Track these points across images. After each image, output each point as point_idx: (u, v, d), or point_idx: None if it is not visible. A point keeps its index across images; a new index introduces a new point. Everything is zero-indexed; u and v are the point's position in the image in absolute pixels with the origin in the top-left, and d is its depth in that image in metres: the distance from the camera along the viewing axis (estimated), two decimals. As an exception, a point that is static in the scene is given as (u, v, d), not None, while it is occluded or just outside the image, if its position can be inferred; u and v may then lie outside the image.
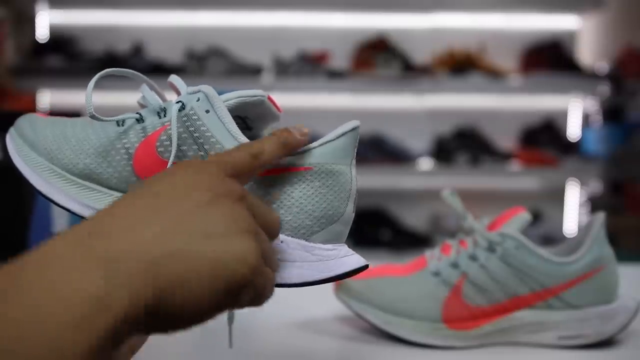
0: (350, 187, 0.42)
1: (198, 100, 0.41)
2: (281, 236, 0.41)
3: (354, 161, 0.42)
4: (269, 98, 0.43)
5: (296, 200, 0.41)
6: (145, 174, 0.42)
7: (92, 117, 0.42)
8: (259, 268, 0.31)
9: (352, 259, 0.41)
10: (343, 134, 0.42)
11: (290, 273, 0.40)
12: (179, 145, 0.41)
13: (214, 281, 0.29)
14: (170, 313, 0.28)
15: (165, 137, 0.41)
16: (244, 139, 0.41)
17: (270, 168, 0.41)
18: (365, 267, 0.41)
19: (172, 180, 0.32)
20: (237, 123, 0.44)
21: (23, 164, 0.43)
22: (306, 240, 0.41)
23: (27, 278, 0.25)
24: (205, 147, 0.41)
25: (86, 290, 0.25)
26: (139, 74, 0.44)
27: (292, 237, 0.41)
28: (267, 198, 0.41)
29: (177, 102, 0.42)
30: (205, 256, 0.29)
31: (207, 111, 0.41)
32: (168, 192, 0.31)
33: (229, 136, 0.41)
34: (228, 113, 0.41)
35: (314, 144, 0.42)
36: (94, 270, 0.26)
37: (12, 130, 0.45)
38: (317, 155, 0.41)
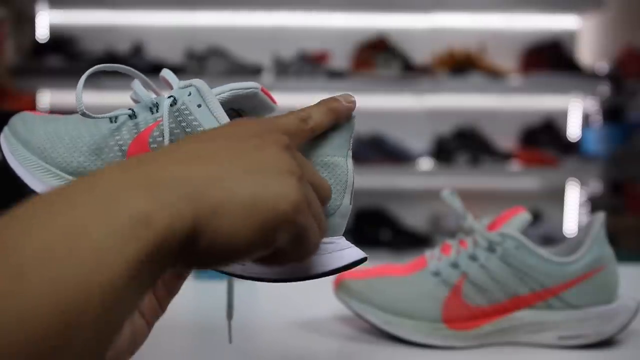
0: (347, 179, 0.41)
1: (190, 94, 0.41)
2: None
3: (349, 153, 0.42)
4: (263, 90, 0.43)
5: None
6: None
7: (83, 114, 0.41)
8: (300, 207, 0.31)
9: (350, 251, 0.41)
10: (338, 126, 0.41)
11: (287, 268, 0.39)
12: (171, 141, 0.40)
13: (253, 212, 0.29)
14: (209, 241, 0.28)
15: (157, 133, 0.41)
16: None
17: None
18: (364, 259, 0.41)
19: (222, 129, 0.34)
20: (231, 116, 0.44)
21: (17, 164, 0.42)
22: None
23: (76, 195, 0.27)
24: None
25: (130, 208, 0.26)
26: (130, 68, 0.43)
27: None
28: None
29: (169, 97, 0.41)
30: (247, 188, 0.30)
31: (199, 105, 0.40)
32: (217, 135, 0.33)
33: None
34: (220, 107, 0.41)
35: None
36: (139, 191, 0.27)
37: (5, 129, 0.44)
38: (312, 147, 0.41)
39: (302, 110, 0.39)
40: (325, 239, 0.40)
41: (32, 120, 0.44)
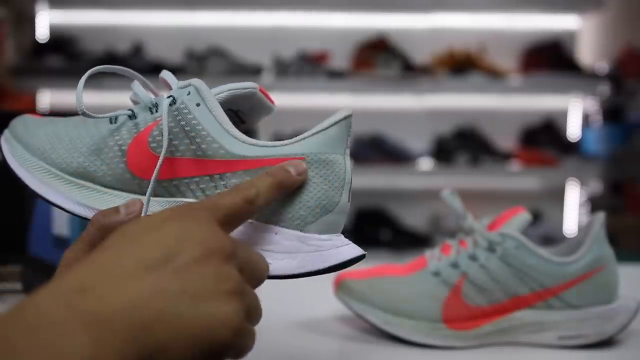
0: (345, 176, 0.41)
1: (189, 94, 0.41)
2: (276, 227, 0.40)
3: (347, 150, 0.42)
4: (261, 90, 0.43)
5: (290, 191, 0.40)
6: (139, 170, 0.41)
7: (83, 114, 0.41)
8: (241, 330, 0.31)
9: (349, 248, 0.41)
10: (335, 123, 0.41)
11: (285, 264, 0.40)
12: (170, 140, 0.41)
13: (199, 344, 0.29)
14: None
15: (157, 133, 0.41)
16: (235, 131, 0.41)
17: (263, 159, 0.41)
18: (362, 256, 0.41)
19: (162, 231, 0.32)
20: (230, 117, 0.44)
21: (17, 165, 0.43)
22: (301, 230, 0.40)
23: (17, 340, 0.25)
24: (196, 140, 0.41)
25: (76, 355, 0.26)
26: (130, 70, 0.44)
27: (286, 228, 0.40)
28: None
29: (168, 97, 0.42)
30: (191, 320, 0.29)
31: (198, 104, 0.41)
32: (156, 244, 0.31)
33: (220, 129, 0.41)
34: (219, 106, 0.41)
35: (307, 133, 0.41)
36: (83, 333, 0.26)
37: (6, 131, 0.45)
38: (310, 145, 0.41)
39: (249, 187, 0.38)
40: (323, 236, 0.40)
41: (32, 123, 0.44)
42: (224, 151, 0.41)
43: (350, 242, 0.41)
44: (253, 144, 0.41)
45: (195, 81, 0.42)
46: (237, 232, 0.40)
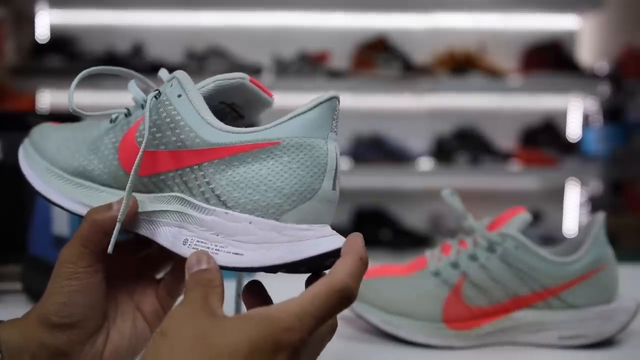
0: (327, 161, 0.38)
1: (172, 86, 0.41)
2: (250, 217, 0.38)
3: (332, 135, 0.39)
4: (253, 81, 0.42)
5: (264, 177, 0.38)
6: (129, 166, 0.41)
7: (74, 112, 0.42)
8: None
9: (330, 239, 0.37)
10: (316, 106, 0.38)
11: (260, 256, 0.37)
12: (154, 133, 0.40)
13: None
14: None
15: (142, 127, 0.41)
16: (213, 120, 0.39)
17: (237, 145, 0.38)
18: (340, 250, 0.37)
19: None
20: (226, 112, 0.44)
21: (27, 168, 0.45)
22: (276, 220, 0.37)
23: None
24: (176, 131, 0.40)
25: None
26: (126, 69, 0.44)
27: (261, 217, 0.37)
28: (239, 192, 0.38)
29: (155, 91, 0.42)
30: None
31: (179, 95, 0.40)
32: None
33: (197, 118, 0.39)
34: (201, 97, 0.40)
35: (284, 117, 0.39)
36: None
37: (26, 140, 0.47)
38: (286, 128, 0.38)
39: (344, 287, 0.34)
40: (302, 226, 0.37)
41: (47, 129, 0.47)
42: (199, 140, 0.39)
43: (336, 233, 0.38)
44: (228, 131, 0.39)
45: (179, 73, 0.41)
46: (212, 223, 0.38)
